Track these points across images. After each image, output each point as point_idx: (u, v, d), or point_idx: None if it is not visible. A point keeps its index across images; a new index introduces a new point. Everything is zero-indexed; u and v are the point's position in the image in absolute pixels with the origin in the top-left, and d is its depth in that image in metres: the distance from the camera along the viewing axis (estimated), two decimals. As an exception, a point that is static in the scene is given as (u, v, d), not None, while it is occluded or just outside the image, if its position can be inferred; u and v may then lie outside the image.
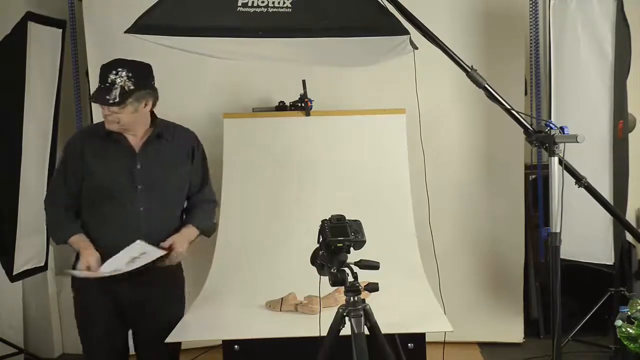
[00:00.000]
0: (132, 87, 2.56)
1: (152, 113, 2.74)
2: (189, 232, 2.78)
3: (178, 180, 2.79)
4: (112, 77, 2.55)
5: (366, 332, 2.19)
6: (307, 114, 3.82)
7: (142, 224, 2.66)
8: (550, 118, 3.86)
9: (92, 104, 2.57)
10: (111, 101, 2.53)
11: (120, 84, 2.54)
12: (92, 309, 2.71)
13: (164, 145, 2.74)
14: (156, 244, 2.65)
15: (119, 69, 2.56)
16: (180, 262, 2.80)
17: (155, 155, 2.71)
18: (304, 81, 3.82)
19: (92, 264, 2.58)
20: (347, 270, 2.16)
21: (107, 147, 2.68)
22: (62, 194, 2.71)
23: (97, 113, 4.00)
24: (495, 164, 4.16)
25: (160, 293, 2.76)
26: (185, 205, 2.86)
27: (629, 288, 3.93)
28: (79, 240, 2.65)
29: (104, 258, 2.60)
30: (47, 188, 2.70)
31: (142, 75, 2.61)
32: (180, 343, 2.80)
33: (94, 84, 4.02)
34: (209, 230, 2.90)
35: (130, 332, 2.84)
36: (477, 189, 4.18)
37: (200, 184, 2.87)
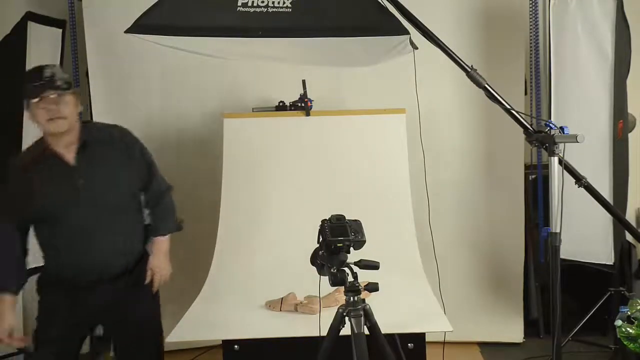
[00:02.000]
0: (69, 81, 2.50)
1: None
2: (161, 247, 2.76)
3: (123, 184, 2.64)
4: (47, 73, 2.43)
5: (366, 332, 2.19)
6: (307, 114, 3.82)
7: (100, 241, 2.56)
8: (550, 118, 3.86)
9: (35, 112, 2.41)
10: (63, 86, 2.43)
11: (60, 76, 2.44)
12: (55, 311, 2.61)
13: (96, 152, 2.57)
14: (129, 254, 2.65)
15: (49, 67, 2.47)
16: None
17: (91, 164, 2.55)
18: (304, 81, 3.81)
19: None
20: (347, 270, 2.16)
21: (49, 168, 2.51)
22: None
23: (98, 113, 4.02)
24: (495, 164, 4.16)
25: (136, 295, 2.69)
26: (142, 202, 2.75)
27: (628, 288, 3.92)
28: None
29: (75, 287, 2.57)
30: None
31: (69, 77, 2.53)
32: (162, 345, 2.80)
33: (94, 84, 4.02)
34: (176, 226, 2.85)
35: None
36: (477, 189, 4.18)
37: (149, 179, 2.73)
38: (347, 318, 2.18)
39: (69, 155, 2.54)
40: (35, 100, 2.42)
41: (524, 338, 4.14)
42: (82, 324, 2.70)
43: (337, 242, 2.15)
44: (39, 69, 2.46)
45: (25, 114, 2.51)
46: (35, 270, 3.95)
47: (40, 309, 2.67)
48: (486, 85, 2.73)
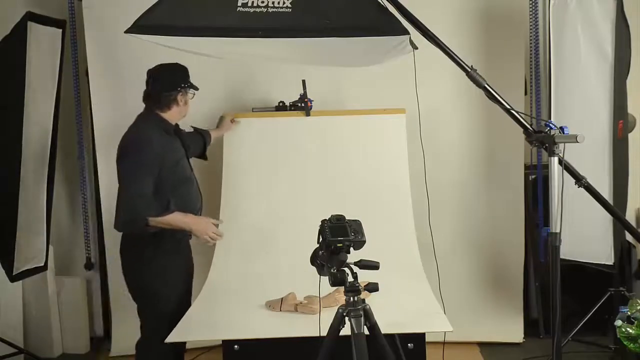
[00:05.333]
0: None
1: None
2: None
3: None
4: None
5: (366, 332, 2.19)
6: (307, 114, 3.82)
7: (197, 196, 3.17)
8: (550, 118, 3.85)
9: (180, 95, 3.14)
10: None
11: None
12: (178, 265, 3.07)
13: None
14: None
15: None
16: None
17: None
18: (304, 81, 3.81)
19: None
20: (347, 270, 2.16)
21: (172, 138, 3.08)
22: (150, 186, 2.89)
23: (97, 113, 4.02)
24: (495, 164, 4.16)
25: None
26: None
27: (628, 288, 3.92)
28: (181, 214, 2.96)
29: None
30: (128, 187, 2.91)
31: None
32: None
33: (94, 83, 4.02)
34: None
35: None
36: (477, 189, 4.18)
37: None
38: (347, 318, 2.18)
39: None
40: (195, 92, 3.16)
41: (524, 338, 4.15)
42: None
43: (337, 242, 2.15)
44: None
45: (177, 96, 3.11)
46: (35, 270, 3.97)
47: (159, 269, 2.97)
48: (486, 85, 2.73)
